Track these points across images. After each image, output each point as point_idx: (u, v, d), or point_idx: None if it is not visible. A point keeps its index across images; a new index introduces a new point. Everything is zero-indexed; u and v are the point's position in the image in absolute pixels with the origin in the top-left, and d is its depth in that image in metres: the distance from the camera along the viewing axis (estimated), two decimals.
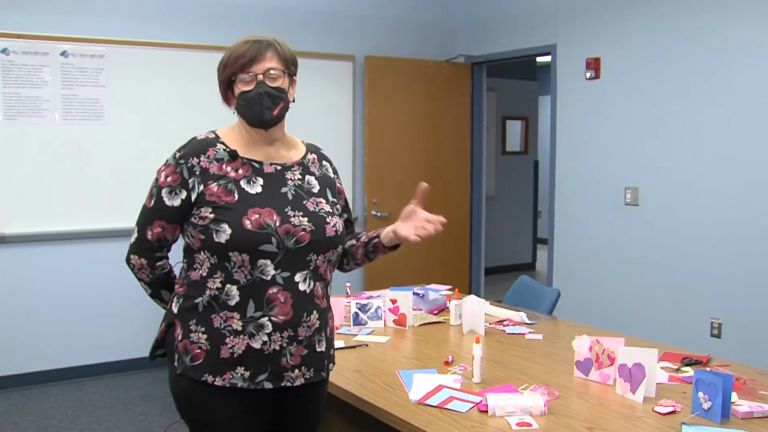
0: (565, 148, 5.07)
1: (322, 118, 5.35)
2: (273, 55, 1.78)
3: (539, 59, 6.41)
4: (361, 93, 5.54)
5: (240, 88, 1.78)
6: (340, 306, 2.92)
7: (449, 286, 3.40)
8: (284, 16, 5.18)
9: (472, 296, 2.82)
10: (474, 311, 2.79)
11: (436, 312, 3.12)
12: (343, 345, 2.62)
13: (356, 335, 2.76)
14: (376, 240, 1.99)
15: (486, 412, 1.93)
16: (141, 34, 4.66)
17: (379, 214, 5.55)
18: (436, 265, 5.73)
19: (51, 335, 4.52)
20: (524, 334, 2.81)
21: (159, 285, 1.89)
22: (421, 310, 3.11)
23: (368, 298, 3.12)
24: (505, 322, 2.97)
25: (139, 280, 1.89)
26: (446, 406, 1.99)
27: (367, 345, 2.64)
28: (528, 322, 2.98)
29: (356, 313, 2.90)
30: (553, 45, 5.13)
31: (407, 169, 5.71)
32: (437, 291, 3.30)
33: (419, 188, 1.95)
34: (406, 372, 2.29)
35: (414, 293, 3.10)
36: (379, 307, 2.90)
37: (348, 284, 3.39)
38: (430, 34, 5.89)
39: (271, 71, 1.78)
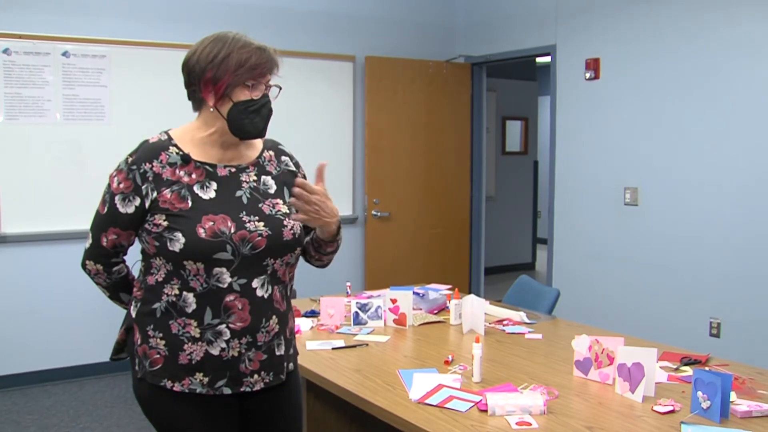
0: (565, 148, 5.08)
1: (322, 118, 5.36)
2: (276, 68, 1.78)
3: (539, 60, 6.42)
4: (361, 93, 5.55)
5: (246, 94, 1.73)
6: (341, 305, 2.93)
7: (449, 286, 3.41)
8: (285, 16, 5.19)
9: (472, 296, 2.83)
10: (474, 311, 2.80)
11: (436, 311, 3.13)
12: (343, 344, 2.63)
13: (356, 335, 2.77)
14: (316, 236, 1.90)
15: (486, 411, 1.94)
16: (142, 34, 4.67)
17: (379, 214, 5.56)
18: (436, 265, 5.74)
19: (52, 334, 4.53)
20: (524, 333, 2.82)
21: (117, 288, 1.87)
22: (421, 309, 3.12)
23: (368, 297, 3.13)
24: (504, 322, 2.98)
25: (97, 284, 1.87)
26: (446, 406, 1.99)
27: (367, 344, 2.65)
28: (528, 321, 2.98)
29: (356, 312, 2.91)
30: (552, 45, 5.13)
31: (407, 169, 5.72)
32: (437, 290, 3.31)
33: (318, 168, 1.80)
34: (406, 371, 2.30)
35: (414, 293, 3.11)
36: (379, 306, 2.91)
37: (348, 284, 3.40)
38: (430, 34, 5.90)
39: (270, 83, 1.78)
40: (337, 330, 2.83)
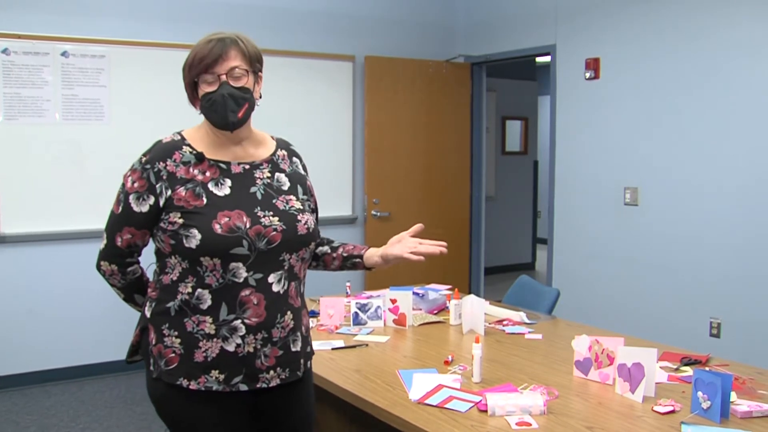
0: (565, 148, 5.08)
1: (322, 118, 5.36)
2: (237, 54, 1.73)
3: (539, 59, 6.41)
4: (361, 93, 5.55)
5: (204, 89, 1.73)
6: (340, 306, 2.93)
7: (449, 286, 3.41)
8: (284, 16, 5.19)
9: (472, 296, 2.82)
10: (474, 311, 2.79)
11: (435, 312, 3.12)
12: (343, 345, 2.63)
13: (356, 335, 2.77)
14: (358, 261, 2.03)
15: (486, 411, 1.94)
16: (141, 34, 4.67)
17: (379, 214, 5.56)
18: (435, 265, 5.71)
19: (51, 335, 4.53)
20: (524, 333, 2.81)
21: (131, 289, 1.87)
22: (420, 309, 3.12)
23: (368, 297, 3.12)
24: (504, 322, 2.98)
25: (111, 285, 1.88)
26: (446, 406, 1.99)
27: (367, 345, 2.65)
28: (527, 321, 2.98)
29: (356, 312, 2.91)
30: (552, 45, 5.13)
31: (407, 169, 5.71)
32: (437, 291, 3.31)
33: (415, 227, 2.06)
34: (406, 371, 2.30)
35: (414, 293, 3.11)
36: (379, 306, 2.91)
37: (348, 284, 3.40)
38: (430, 34, 5.90)
39: (235, 70, 1.73)
40: (336, 330, 2.83)
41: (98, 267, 1.84)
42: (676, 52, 4.31)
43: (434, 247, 2.00)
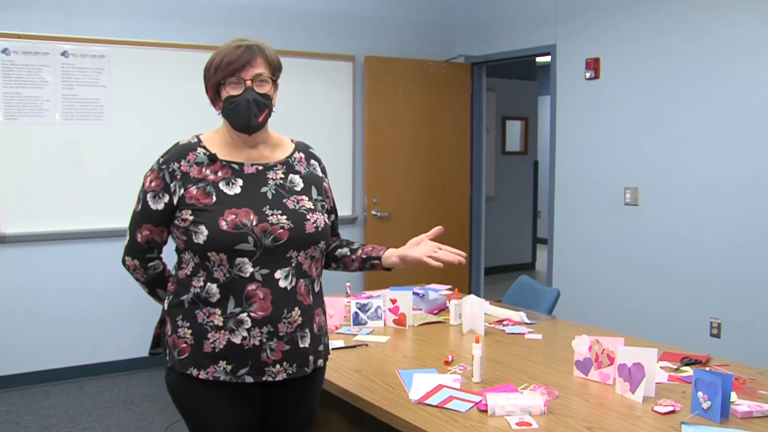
0: (565, 148, 5.07)
1: (322, 118, 5.36)
2: (262, 61, 1.81)
3: (539, 59, 6.41)
4: (361, 93, 5.54)
5: (228, 91, 1.80)
6: (340, 306, 2.93)
7: (449, 286, 3.41)
8: (284, 16, 5.19)
9: (472, 296, 2.82)
10: (474, 311, 2.79)
11: (435, 312, 3.12)
12: (343, 345, 2.62)
13: (356, 335, 2.77)
14: (376, 262, 2.05)
15: (486, 411, 1.94)
16: (141, 34, 4.66)
17: (379, 214, 5.56)
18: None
19: (51, 335, 4.53)
20: (524, 333, 2.81)
21: (154, 284, 1.96)
22: (421, 309, 3.12)
23: (368, 297, 3.12)
24: (504, 322, 2.98)
25: (136, 279, 1.97)
26: (446, 406, 1.99)
27: (366, 345, 2.65)
28: (528, 321, 2.98)
29: (356, 312, 2.91)
30: (552, 45, 5.13)
31: (407, 169, 5.71)
32: (437, 291, 3.31)
33: (435, 229, 2.05)
34: (405, 372, 2.30)
35: (414, 293, 3.11)
36: (378, 306, 2.91)
37: (348, 284, 3.40)
38: (430, 34, 5.90)
39: (261, 77, 1.80)
40: (336, 330, 2.83)
41: (123, 262, 1.93)
42: (676, 52, 4.31)
43: (453, 255, 2.01)
